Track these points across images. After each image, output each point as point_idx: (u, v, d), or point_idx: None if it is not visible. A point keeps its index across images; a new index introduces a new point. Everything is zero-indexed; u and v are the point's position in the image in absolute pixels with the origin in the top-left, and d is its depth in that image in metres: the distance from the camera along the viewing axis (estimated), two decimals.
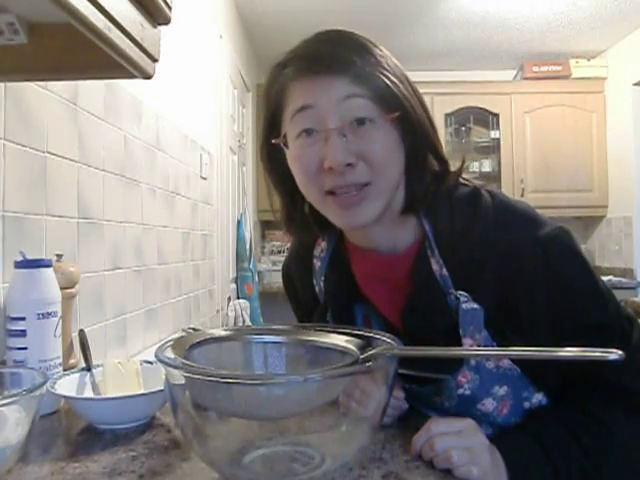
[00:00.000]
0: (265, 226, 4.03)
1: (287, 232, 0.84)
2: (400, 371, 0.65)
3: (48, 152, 1.03)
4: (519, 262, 0.68)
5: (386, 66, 0.69)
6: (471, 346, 0.69)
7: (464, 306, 0.69)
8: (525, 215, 0.72)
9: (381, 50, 0.72)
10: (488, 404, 0.71)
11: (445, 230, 0.72)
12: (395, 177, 0.71)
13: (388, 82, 0.68)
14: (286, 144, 0.71)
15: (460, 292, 0.70)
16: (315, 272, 0.86)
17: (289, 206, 0.81)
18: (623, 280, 3.49)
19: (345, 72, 0.67)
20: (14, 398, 0.50)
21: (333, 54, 0.68)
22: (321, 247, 0.85)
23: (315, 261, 0.86)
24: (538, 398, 0.73)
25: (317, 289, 0.86)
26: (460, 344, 0.69)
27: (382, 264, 0.78)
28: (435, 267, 0.72)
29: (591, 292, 0.70)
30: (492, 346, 0.70)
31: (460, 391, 0.71)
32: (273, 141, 0.73)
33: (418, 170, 0.72)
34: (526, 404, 0.73)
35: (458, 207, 0.73)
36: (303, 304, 0.92)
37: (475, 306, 0.69)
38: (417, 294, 0.74)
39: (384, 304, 0.79)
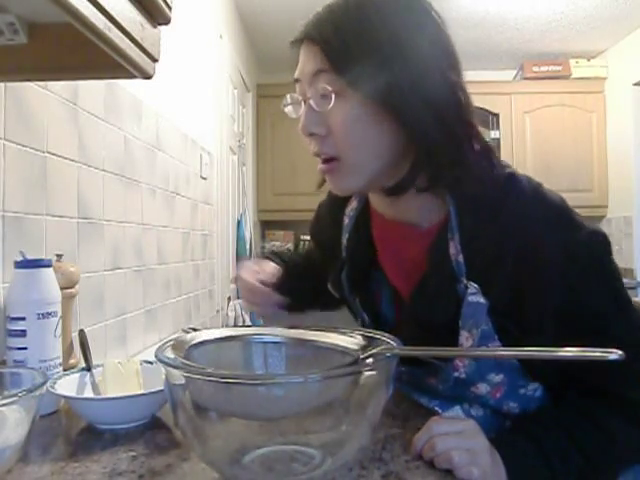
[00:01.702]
0: (265, 226, 4.03)
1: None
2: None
3: (48, 152, 1.03)
4: (538, 263, 0.66)
5: (369, 33, 0.65)
6: (466, 339, 0.68)
7: (470, 298, 0.68)
8: (559, 213, 0.68)
9: (384, 13, 0.66)
10: (482, 388, 0.71)
11: (469, 215, 0.69)
12: (369, 154, 0.68)
13: (356, 54, 0.64)
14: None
15: (471, 282, 0.68)
16: (344, 229, 0.85)
17: None
18: (623, 280, 3.48)
19: (317, 42, 0.67)
20: (14, 398, 0.50)
21: (316, 21, 0.69)
22: (352, 205, 0.85)
23: (345, 218, 0.85)
24: (534, 386, 0.73)
25: (343, 246, 0.85)
26: (457, 334, 0.69)
27: (400, 233, 0.77)
28: (452, 251, 0.69)
29: (606, 304, 0.68)
30: (492, 339, 0.68)
31: (455, 374, 0.71)
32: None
33: (418, 149, 0.68)
34: (522, 390, 0.73)
35: (487, 193, 0.69)
36: (321, 249, 0.96)
37: (481, 300, 0.67)
38: (429, 275, 0.72)
39: (397, 276, 0.78)
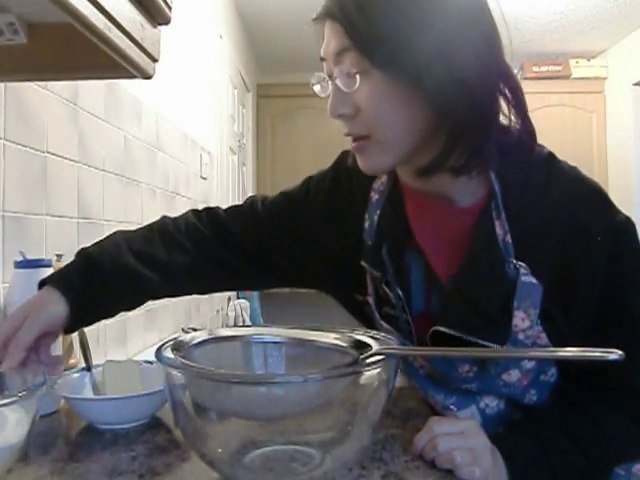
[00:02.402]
0: None
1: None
2: (450, 332, 0.66)
3: (48, 152, 1.03)
4: (587, 243, 0.67)
5: (394, 10, 0.62)
6: (523, 320, 0.66)
7: (523, 278, 0.66)
8: (601, 196, 0.70)
9: None
10: (513, 375, 0.70)
11: (516, 193, 0.68)
12: (400, 132, 0.66)
13: (381, 32, 0.62)
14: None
15: (520, 263, 0.67)
16: (371, 205, 0.79)
17: None
18: None
19: (338, 20, 0.65)
20: (14, 398, 0.50)
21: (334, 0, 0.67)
22: (382, 180, 0.80)
23: (373, 194, 0.80)
24: (552, 372, 0.72)
25: (367, 224, 0.78)
26: (510, 316, 0.67)
27: (437, 211, 0.74)
28: (499, 231, 0.68)
29: None
30: (535, 323, 0.67)
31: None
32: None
33: (449, 128, 0.66)
34: (542, 376, 0.72)
35: (533, 171, 0.69)
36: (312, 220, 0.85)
37: (534, 281, 0.66)
38: (475, 256, 0.70)
39: (435, 253, 0.75)
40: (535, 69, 3.84)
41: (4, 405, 0.50)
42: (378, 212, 0.78)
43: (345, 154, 0.85)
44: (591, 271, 0.67)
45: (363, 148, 0.69)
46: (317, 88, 0.71)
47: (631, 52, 3.57)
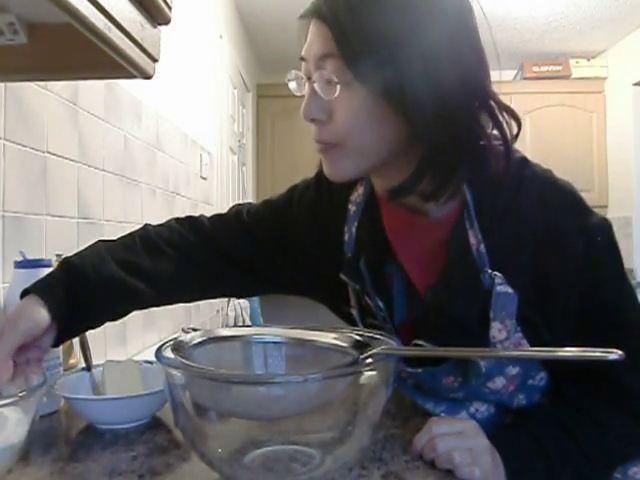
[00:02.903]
0: None
1: None
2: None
3: (48, 152, 1.03)
4: (561, 248, 0.66)
5: (385, 18, 0.60)
6: (500, 331, 0.67)
7: (498, 288, 0.66)
8: (573, 199, 0.69)
9: None
10: (498, 382, 0.70)
11: (488, 202, 0.68)
12: (371, 142, 0.65)
13: (367, 43, 0.60)
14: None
15: (495, 273, 0.66)
16: (349, 217, 0.79)
17: None
18: None
19: (327, 23, 0.63)
20: (14, 398, 0.50)
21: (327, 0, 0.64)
22: (358, 192, 0.79)
23: (350, 206, 0.79)
24: (541, 375, 0.72)
25: (346, 236, 0.79)
26: (487, 327, 0.67)
27: (412, 223, 0.74)
28: (472, 241, 0.68)
29: (621, 288, 0.70)
30: (515, 331, 0.67)
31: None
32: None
33: (423, 148, 0.65)
34: (530, 381, 0.72)
35: (504, 178, 0.68)
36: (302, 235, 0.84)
37: (509, 290, 0.66)
38: (451, 267, 0.70)
39: (413, 264, 0.75)
40: (535, 69, 3.84)
41: (4, 405, 0.50)
42: (356, 224, 0.78)
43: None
44: (566, 276, 0.67)
45: (329, 154, 0.68)
46: (292, 85, 0.70)
47: (631, 52, 3.57)
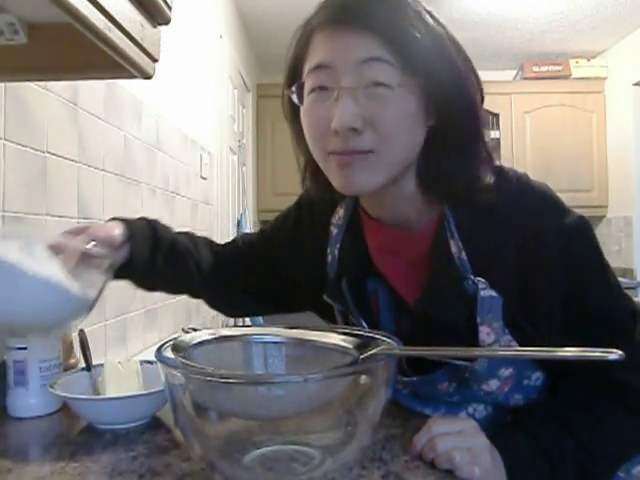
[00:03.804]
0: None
1: (308, 189, 0.82)
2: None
3: (48, 152, 1.03)
4: (540, 249, 0.67)
5: (421, 26, 0.63)
6: (488, 335, 0.68)
7: (482, 293, 0.67)
8: (549, 201, 0.70)
9: (421, 5, 0.66)
10: (492, 384, 0.71)
11: (466, 213, 0.69)
12: (404, 150, 0.66)
13: (417, 46, 0.62)
14: (301, 97, 0.68)
15: (478, 278, 0.68)
16: (331, 239, 0.81)
17: (311, 162, 0.75)
18: (623, 280, 3.49)
19: (369, 29, 0.62)
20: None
21: (361, 5, 0.63)
22: (339, 214, 0.81)
23: (332, 228, 0.81)
24: (537, 375, 0.73)
25: (329, 258, 0.81)
26: (476, 332, 0.68)
27: (396, 239, 0.75)
28: (454, 249, 0.69)
29: (604, 284, 0.71)
30: (504, 333, 0.68)
31: (466, 374, 0.71)
32: (285, 92, 0.71)
33: (438, 149, 0.67)
34: (525, 381, 0.73)
35: (481, 189, 0.69)
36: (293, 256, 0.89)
37: (493, 294, 0.67)
38: (436, 276, 0.71)
39: (399, 279, 0.76)
40: (535, 69, 3.84)
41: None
42: (338, 245, 0.80)
43: (306, 193, 0.89)
44: (547, 277, 0.68)
45: (359, 163, 0.65)
46: (295, 97, 0.68)
47: (631, 52, 3.57)
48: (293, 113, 0.73)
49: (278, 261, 0.91)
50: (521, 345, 0.69)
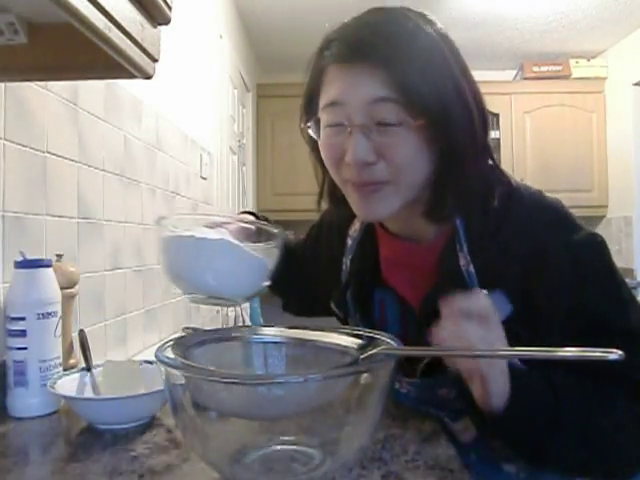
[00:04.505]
0: None
1: (329, 204, 0.83)
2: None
3: (48, 152, 1.03)
4: (546, 266, 0.67)
5: (429, 62, 0.66)
6: None
7: None
8: (559, 217, 0.71)
9: (433, 32, 0.67)
10: None
11: (476, 229, 0.71)
12: (417, 179, 0.69)
13: (425, 86, 0.64)
14: (318, 130, 0.72)
15: (484, 292, 0.67)
16: (346, 250, 0.86)
17: (330, 181, 0.79)
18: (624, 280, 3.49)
19: (380, 68, 0.64)
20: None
21: (368, 43, 0.65)
22: (355, 227, 0.86)
23: (348, 240, 0.86)
24: None
25: (344, 267, 0.85)
26: None
27: (408, 251, 0.78)
28: (462, 262, 0.71)
29: (615, 300, 0.69)
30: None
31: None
32: (302, 126, 0.75)
33: (449, 175, 0.69)
34: None
35: (492, 207, 0.71)
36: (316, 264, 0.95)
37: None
38: (442, 285, 0.72)
39: (406, 287, 0.78)
40: (535, 69, 3.84)
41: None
42: (350, 256, 0.84)
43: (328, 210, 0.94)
44: (553, 293, 0.68)
45: (376, 193, 0.68)
46: (312, 131, 0.71)
47: (631, 52, 3.57)
48: (312, 143, 0.77)
49: (304, 266, 0.96)
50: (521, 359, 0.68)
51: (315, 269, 0.94)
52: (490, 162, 0.74)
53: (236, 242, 0.66)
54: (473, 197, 0.71)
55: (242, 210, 0.99)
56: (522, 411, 0.62)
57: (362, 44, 0.66)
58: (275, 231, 0.71)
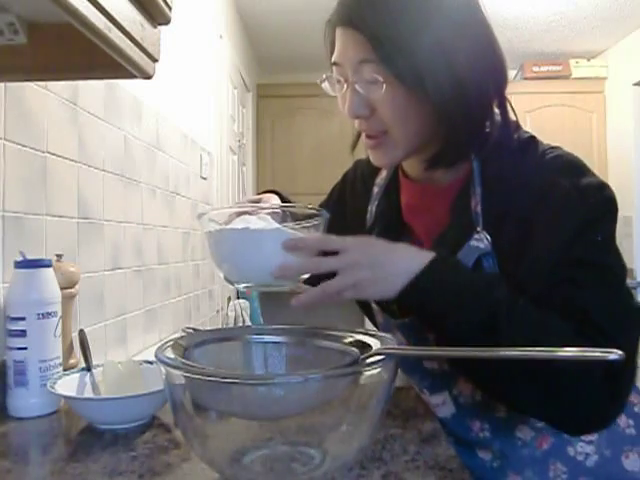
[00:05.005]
0: None
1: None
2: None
3: (48, 152, 1.03)
4: (551, 202, 0.68)
5: (411, 25, 0.68)
6: None
7: (472, 242, 0.71)
8: (572, 162, 0.72)
9: None
10: None
11: (492, 173, 0.74)
12: (410, 130, 0.72)
13: (403, 50, 0.67)
14: (334, 86, 0.76)
15: (484, 232, 0.71)
16: (372, 197, 0.90)
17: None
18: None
19: (364, 31, 0.68)
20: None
21: (361, 7, 0.69)
22: (382, 175, 0.90)
23: (375, 188, 0.90)
24: None
25: (368, 215, 0.89)
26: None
27: (427, 195, 0.81)
28: (473, 203, 0.73)
29: (602, 251, 0.69)
30: None
31: None
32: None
33: (453, 125, 0.71)
34: None
35: (510, 153, 0.74)
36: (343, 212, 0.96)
37: (481, 246, 0.71)
38: (451, 227, 0.76)
39: (424, 233, 0.81)
40: (535, 69, 3.84)
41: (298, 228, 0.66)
42: (376, 203, 0.88)
43: (358, 162, 0.97)
44: (552, 224, 0.68)
45: (378, 144, 0.74)
46: (325, 85, 0.76)
47: (631, 52, 3.57)
48: None
49: (340, 218, 0.94)
50: None
51: (339, 223, 0.91)
52: (511, 114, 0.76)
53: (290, 230, 0.66)
54: (483, 143, 0.73)
55: (265, 190, 1.03)
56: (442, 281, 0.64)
57: (349, 9, 0.71)
58: (313, 211, 0.71)
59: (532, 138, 0.76)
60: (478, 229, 0.72)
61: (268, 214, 0.70)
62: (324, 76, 0.76)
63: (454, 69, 0.69)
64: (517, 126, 0.77)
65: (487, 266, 0.71)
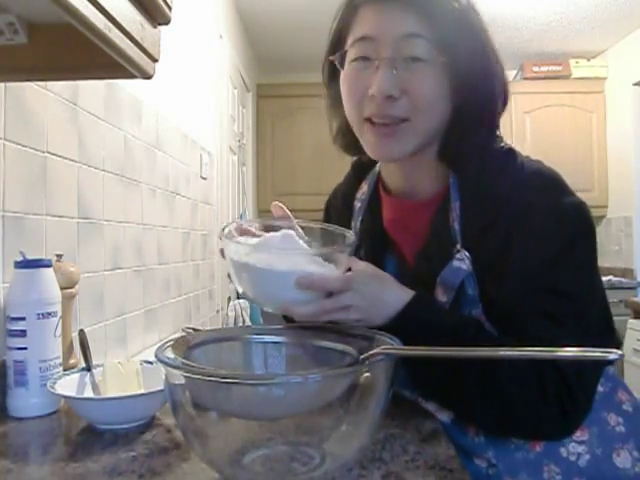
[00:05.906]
0: None
1: (340, 148, 0.86)
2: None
3: (48, 152, 1.03)
4: (530, 223, 0.69)
5: (458, 6, 0.70)
6: (442, 295, 0.72)
7: (454, 263, 0.71)
8: (551, 181, 0.72)
9: None
10: None
11: (470, 184, 0.73)
12: (435, 119, 0.72)
13: (453, 26, 0.68)
14: (342, 64, 0.75)
15: (464, 250, 0.71)
16: (354, 213, 0.89)
17: (343, 125, 0.82)
18: (623, 280, 3.49)
19: (413, 6, 0.68)
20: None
21: None
22: (363, 190, 0.88)
23: (356, 202, 0.89)
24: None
25: (353, 231, 0.87)
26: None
27: (408, 210, 0.81)
28: (451, 219, 0.73)
29: (581, 277, 0.70)
30: (476, 306, 0.71)
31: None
32: (330, 58, 0.77)
33: (461, 121, 0.73)
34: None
35: (489, 164, 0.74)
36: None
37: (463, 267, 0.71)
38: (431, 242, 0.76)
39: (408, 249, 0.81)
40: (535, 69, 3.84)
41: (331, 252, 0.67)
42: (360, 219, 0.87)
43: (335, 188, 0.98)
44: (531, 249, 0.68)
45: (393, 132, 0.71)
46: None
47: (631, 52, 3.57)
48: (332, 79, 0.79)
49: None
50: (490, 321, 0.70)
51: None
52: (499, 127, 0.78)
53: (311, 268, 0.64)
54: (475, 153, 0.74)
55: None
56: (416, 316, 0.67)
57: None
58: (346, 234, 0.72)
59: (511, 150, 0.76)
60: (458, 247, 0.72)
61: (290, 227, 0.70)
62: (338, 54, 0.75)
63: (486, 56, 0.71)
64: (499, 138, 0.78)
65: (469, 286, 0.71)
